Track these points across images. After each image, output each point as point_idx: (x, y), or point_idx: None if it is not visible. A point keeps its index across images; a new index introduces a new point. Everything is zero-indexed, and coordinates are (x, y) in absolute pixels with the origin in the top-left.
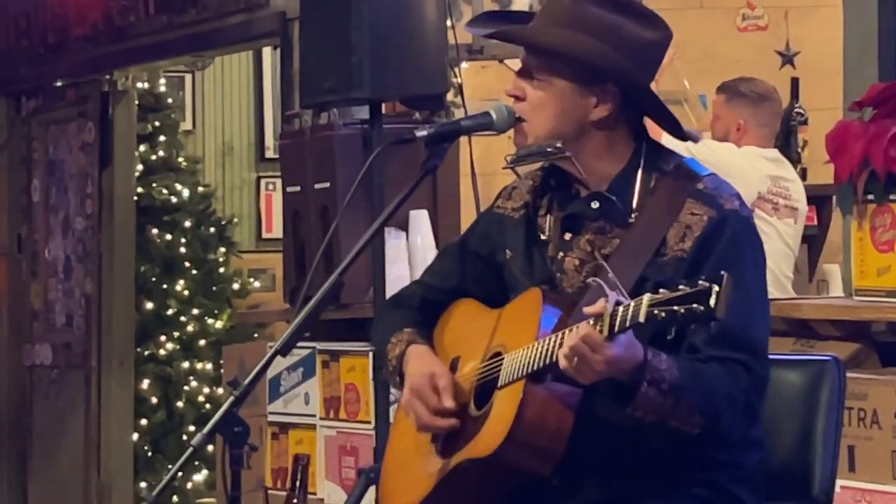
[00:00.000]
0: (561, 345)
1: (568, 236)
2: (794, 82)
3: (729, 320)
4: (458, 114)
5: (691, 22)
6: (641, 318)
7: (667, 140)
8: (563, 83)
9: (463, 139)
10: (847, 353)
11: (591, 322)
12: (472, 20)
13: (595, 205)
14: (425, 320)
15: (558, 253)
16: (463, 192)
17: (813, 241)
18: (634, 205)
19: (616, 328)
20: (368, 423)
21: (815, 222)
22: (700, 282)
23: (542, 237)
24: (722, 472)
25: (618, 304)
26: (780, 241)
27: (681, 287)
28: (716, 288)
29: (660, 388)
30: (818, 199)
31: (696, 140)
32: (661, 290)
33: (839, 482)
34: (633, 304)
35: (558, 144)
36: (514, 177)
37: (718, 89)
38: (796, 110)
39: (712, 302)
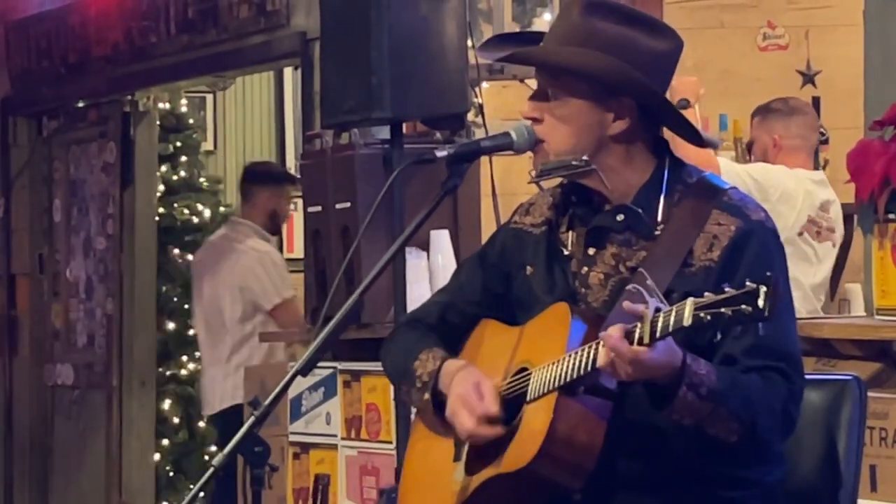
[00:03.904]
0: (594, 354)
1: (592, 251)
2: (815, 101)
3: (764, 330)
4: (479, 133)
5: (712, 41)
6: (686, 322)
7: (724, 166)
8: (579, 101)
9: (484, 159)
10: (868, 373)
11: (631, 326)
12: (484, 44)
13: (620, 217)
14: (443, 339)
15: (582, 268)
16: (484, 211)
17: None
18: (659, 217)
19: (658, 334)
20: (390, 442)
21: None
22: (747, 283)
23: (565, 253)
24: (746, 490)
25: (657, 310)
26: (820, 265)
27: (727, 290)
28: (764, 288)
29: (698, 393)
30: None
31: (716, 146)
32: (705, 294)
33: (861, 502)
34: (675, 308)
35: (584, 158)
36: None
37: (753, 114)
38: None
39: (761, 302)
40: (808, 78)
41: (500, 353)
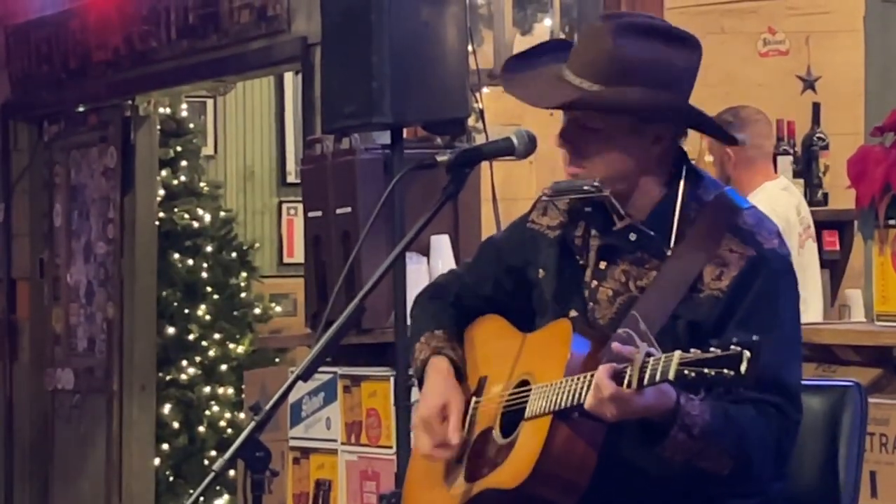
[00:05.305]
0: (590, 386)
1: (603, 265)
2: (816, 107)
3: (764, 362)
4: (480, 139)
5: (713, 47)
6: (671, 377)
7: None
8: (619, 131)
9: (484, 164)
10: (869, 379)
11: (622, 367)
12: (504, 73)
13: (633, 237)
14: (458, 315)
15: (592, 281)
16: (484, 216)
17: (834, 266)
18: (673, 236)
19: (645, 382)
20: (390, 447)
21: (837, 247)
22: (732, 346)
23: (580, 261)
24: (747, 500)
25: (648, 355)
26: (816, 266)
27: (712, 349)
28: (747, 354)
29: (690, 433)
30: (840, 223)
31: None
32: (691, 350)
33: None
34: (663, 359)
35: (595, 183)
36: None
37: None
38: (817, 135)
39: (743, 368)
40: (809, 83)
41: (506, 358)
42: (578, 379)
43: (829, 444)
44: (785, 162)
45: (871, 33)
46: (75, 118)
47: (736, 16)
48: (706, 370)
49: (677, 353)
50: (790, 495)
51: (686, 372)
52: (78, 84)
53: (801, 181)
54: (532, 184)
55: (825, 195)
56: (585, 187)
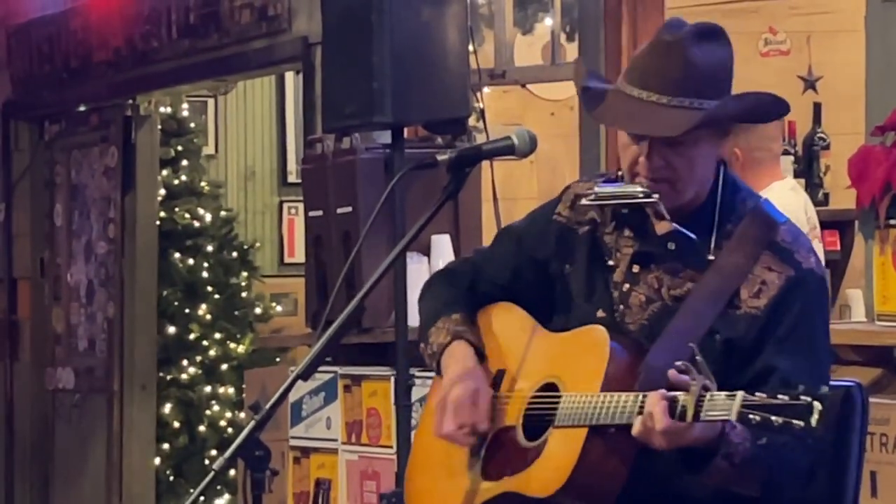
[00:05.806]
0: (632, 409)
1: (636, 268)
2: (817, 107)
3: (803, 385)
4: (480, 138)
5: None
6: (732, 417)
7: None
8: (705, 138)
9: (485, 163)
10: (869, 379)
11: (673, 395)
12: (593, 109)
13: (671, 246)
14: (472, 301)
15: (624, 284)
16: (485, 216)
17: (835, 266)
18: (711, 247)
19: (702, 416)
20: (390, 447)
21: (838, 247)
22: (801, 396)
23: (610, 262)
24: (756, 502)
25: (705, 388)
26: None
27: (779, 396)
28: (818, 406)
29: (732, 462)
30: (840, 223)
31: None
32: (756, 393)
33: None
34: (724, 397)
35: (643, 188)
36: (537, 203)
37: None
38: (818, 135)
39: (814, 421)
40: (810, 83)
41: (528, 355)
42: (619, 398)
43: (829, 444)
44: (786, 162)
45: (872, 33)
46: (76, 118)
47: (737, 16)
48: (773, 417)
49: (740, 393)
50: (792, 495)
51: (751, 416)
52: (79, 84)
53: (802, 181)
54: (533, 183)
55: (826, 195)
56: (631, 191)
